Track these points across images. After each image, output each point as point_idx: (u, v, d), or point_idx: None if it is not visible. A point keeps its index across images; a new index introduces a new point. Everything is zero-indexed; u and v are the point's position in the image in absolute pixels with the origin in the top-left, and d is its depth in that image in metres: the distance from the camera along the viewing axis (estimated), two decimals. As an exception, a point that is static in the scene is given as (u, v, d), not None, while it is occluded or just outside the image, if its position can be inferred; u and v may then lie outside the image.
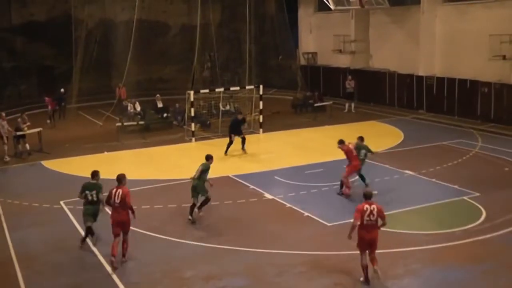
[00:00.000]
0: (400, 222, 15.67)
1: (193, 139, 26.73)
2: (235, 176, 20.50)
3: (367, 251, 11.92)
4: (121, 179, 13.41)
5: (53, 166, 22.77)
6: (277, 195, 18.04)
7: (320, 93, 35.76)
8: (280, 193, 18.29)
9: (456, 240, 14.26)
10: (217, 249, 14.09)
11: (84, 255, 14.04)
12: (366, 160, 18.80)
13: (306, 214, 16.30)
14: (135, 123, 29.14)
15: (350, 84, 34.68)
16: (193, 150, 25.50)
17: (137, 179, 19.50)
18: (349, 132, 28.09)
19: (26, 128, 25.21)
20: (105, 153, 24.51)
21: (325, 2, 34.57)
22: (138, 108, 30.78)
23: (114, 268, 13.00)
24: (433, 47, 32.88)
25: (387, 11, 35.71)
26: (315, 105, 33.20)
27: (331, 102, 33.70)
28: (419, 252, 13.62)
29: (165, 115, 30.59)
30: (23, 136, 24.81)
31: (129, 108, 30.72)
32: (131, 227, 13.95)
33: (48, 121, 30.90)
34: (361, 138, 18.89)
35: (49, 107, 31.74)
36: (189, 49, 40.73)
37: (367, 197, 11.98)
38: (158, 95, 32.03)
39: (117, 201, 13.05)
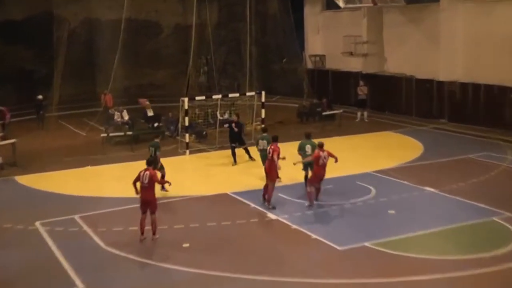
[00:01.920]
0: (419, 246, 15.42)
1: (187, 151, 26.55)
2: (234, 193, 20.38)
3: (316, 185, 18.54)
4: (150, 162, 16.57)
5: (28, 182, 22.51)
6: (281, 215, 17.89)
7: (329, 100, 35.66)
8: (285, 213, 18.12)
9: (484, 267, 13.99)
10: (213, 277, 13.83)
11: (61, 281, 13.75)
12: (382, 176, 18.62)
13: (314, 236, 16.14)
14: (122, 133, 29.02)
15: (362, 90, 34.54)
16: (187, 164, 25.35)
17: (123, 197, 19.30)
18: (361, 143, 28.22)
19: (-2, 140, 24.97)
20: (89, 167, 24.27)
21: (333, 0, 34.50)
22: (126, 117, 30.66)
23: (141, 240, 15.97)
24: (455, 49, 32.65)
25: (403, 9, 35.56)
26: (324, 113, 33.15)
27: (341, 111, 33.58)
28: (441, 281, 13.40)
29: (156, 124, 30.43)
30: (-5, 147, 24.58)
31: (116, 117, 30.56)
32: (117, 252, 14.32)
33: None
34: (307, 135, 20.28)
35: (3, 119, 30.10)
36: (184, 51, 40.88)
37: (320, 146, 18.60)
38: (148, 102, 31.91)
39: (145, 181, 15.96)
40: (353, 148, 26.94)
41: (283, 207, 18.70)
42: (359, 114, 34.19)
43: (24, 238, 16.73)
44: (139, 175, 16.17)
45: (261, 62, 41.35)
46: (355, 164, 23.60)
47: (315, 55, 42.76)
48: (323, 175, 18.63)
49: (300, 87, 38.78)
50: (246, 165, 24.15)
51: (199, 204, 19.55)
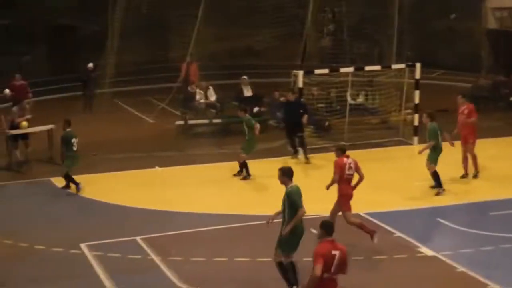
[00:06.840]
0: None
1: (301, 150, 26.45)
2: (370, 214, 20.47)
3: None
4: (343, 148, 18.90)
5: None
6: (441, 251, 17.91)
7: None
8: (447, 248, 18.16)
9: None
10: None
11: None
12: None
13: (492, 285, 15.95)
14: (206, 121, 29.55)
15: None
16: (303, 170, 24.83)
17: (207, 213, 20.07)
18: None
19: (25, 123, 25.45)
20: (157, 168, 24.84)
21: None
22: (213, 98, 31.03)
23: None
24: None
25: None
26: (512, 98, 32.73)
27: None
28: None
29: (256, 109, 30.56)
30: (24, 135, 25.31)
31: (197, 96, 30.89)
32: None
33: None
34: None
35: None
36: (299, 2, 40.90)
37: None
38: (245, 77, 32.10)
39: (351, 172, 18.27)
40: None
41: (444, 239, 18.86)
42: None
43: (63, 266, 17.22)
44: (341, 165, 18.15)
45: (416, 18, 41.09)
46: None
47: (503, 8, 42.00)
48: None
49: (476, 57, 38.49)
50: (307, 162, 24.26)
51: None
